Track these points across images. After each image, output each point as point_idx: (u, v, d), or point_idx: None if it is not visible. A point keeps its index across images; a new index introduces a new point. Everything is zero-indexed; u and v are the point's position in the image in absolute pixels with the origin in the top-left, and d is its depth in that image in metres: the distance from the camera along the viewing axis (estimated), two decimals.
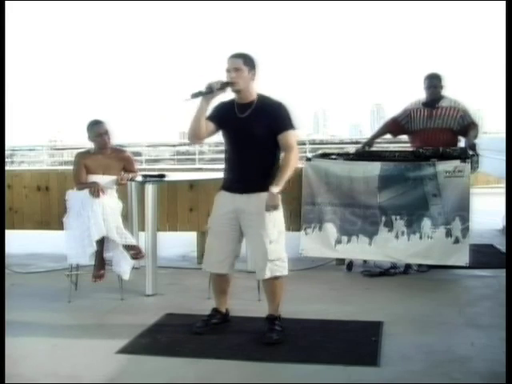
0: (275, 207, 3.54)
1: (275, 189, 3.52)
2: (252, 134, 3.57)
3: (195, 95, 3.54)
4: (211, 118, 3.64)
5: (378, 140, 6.11)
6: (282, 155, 3.67)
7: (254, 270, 3.76)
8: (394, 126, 5.84)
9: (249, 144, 3.60)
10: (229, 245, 3.71)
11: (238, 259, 3.83)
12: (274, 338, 3.57)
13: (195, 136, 3.65)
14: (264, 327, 3.67)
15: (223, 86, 3.55)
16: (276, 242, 3.61)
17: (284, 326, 3.70)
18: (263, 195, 3.55)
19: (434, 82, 5.62)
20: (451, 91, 5.72)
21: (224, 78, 3.57)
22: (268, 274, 3.62)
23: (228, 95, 3.67)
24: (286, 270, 3.67)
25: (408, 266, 5.35)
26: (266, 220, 3.56)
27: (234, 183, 3.69)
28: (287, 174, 3.57)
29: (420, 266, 5.35)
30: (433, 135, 5.54)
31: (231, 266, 3.78)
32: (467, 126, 5.57)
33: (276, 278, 3.65)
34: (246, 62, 3.56)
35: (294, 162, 3.58)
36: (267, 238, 3.58)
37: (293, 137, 3.60)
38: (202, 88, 3.53)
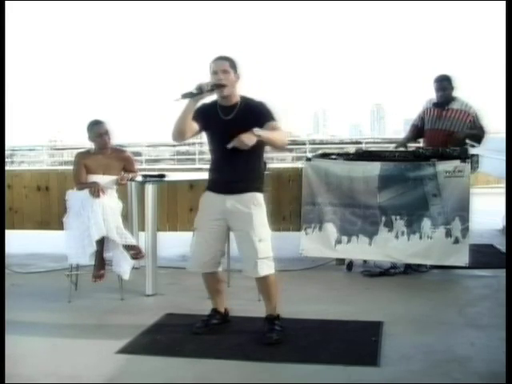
0: (244, 142, 3.41)
1: (258, 131, 3.42)
2: (238, 135, 3.53)
3: (185, 96, 3.55)
4: (195, 119, 3.64)
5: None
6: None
7: (244, 268, 3.74)
8: (414, 131, 5.86)
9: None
10: (216, 245, 3.73)
11: (223, 256, 3.89)
12: (274, 338, 3.57)
13: (180, 135, 3.63)
14: (264, 327, 3.67)
15: (213, 88, 3.56)
16: (265, 240, 3.63)
17: (284, 325, 3.70)
18: (250, 195, 3.61)
19: (443, 85, 5.58)
20: (460, 92, 5.68)
21: (211, 79, 3.58)
22: (265, 271, 3.62)
23: (211, 97, 3.68)
24: (273, 268, 3.69)
25: (408, 266, 5.35)
26: (253, 219, 3.59)
27: (220, 184, 3.70)
28: (271, 135, 3.49)
29: (420, 265, 5.35)
30: (439, 136, 5.54)
31: (217, 265, 3.81)
32: (475, 129, 5.56)
33: (267, 276, 3.66)
34: (231, 64, 3.59)
35: (281, 135, 3.55)
36: (256, 236, 3.60)
37: (278, 125, 3.56)
38: (193, 89, 3.54)
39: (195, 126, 3.65)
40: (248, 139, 3.42)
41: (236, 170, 3.62)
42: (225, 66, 3.56)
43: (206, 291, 4.02)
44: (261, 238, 3.60)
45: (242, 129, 3.51)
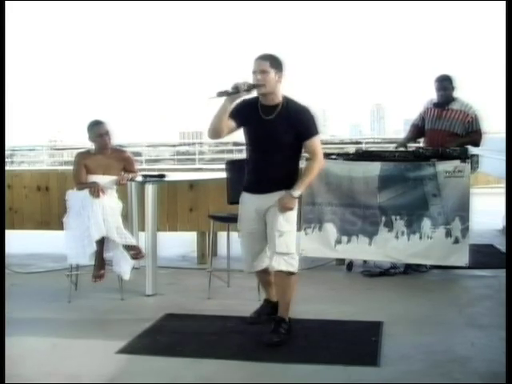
0: (290, 209, 3.59)
1: (295, 193, 3.58)
2: (277, 137, 3.58)
3: (220, 94, 3.55)
4: (233, 115, 3.63)
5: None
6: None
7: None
8: (414, 131, 5.86)
9: (273, 147, 3.60)
10: (260, 244, 3.72)
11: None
12: (274, 340, 3.54)
13: (216, 133, 3.66)
14: (265, 328, 3.65)
15: (249, 88, 3.56)
16: (286, 235, 3.59)
17: (290, 328, 3.65)
18: (282, 193, 3.60)
19: (444, 84, 5.58)
20: (460, 92, 5.68)
21: (250, 79, 3.57)
22: (275, 267, 3.60)
23: (252, 94, 3.65)
24: (295, 267, 3.63)
25: (408, 266, 5.35)
26: (277, 213, 3.59)
27: (256, 184, 3.69)
28: (309, 180, 3.69)
29: (420, 265, 5.35)
30: (439, 137, 5.54)
31: (264, 262, 3.77)
32: (471, 133, 5.56)
33: (285, 274, 3.60)
34: (272, 64, 3.56)
35: (316, 169, 3.70)
36: (277, 230, 3.59)
37: (317, 143, 3.67)
38: (228, 88, 3.54)
39: (232, 123, 3.64)
40: (290, 204, 3.58)
41: (272, 171, 3.62)
42: (264, 66, 3.54)
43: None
44: (281, 232, 3.58)
45: (282, 131, 3.56)
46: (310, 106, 3.67)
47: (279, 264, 3.59)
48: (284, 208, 3.57)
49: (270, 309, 3.87)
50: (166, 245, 5.43)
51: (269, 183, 3.63)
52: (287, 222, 3.61)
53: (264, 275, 3.87)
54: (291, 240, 3.63)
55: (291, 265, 3.61)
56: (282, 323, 3.64)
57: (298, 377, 3.14)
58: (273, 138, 3.60)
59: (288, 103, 3.61)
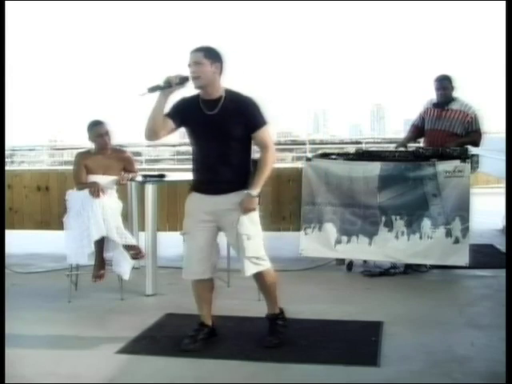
0: (252, 210, 3.45)
1: (254, 192, 3.42)
2: (224, 131, 3.40)
3: (152, 89, 3.39)
4: (171, 115, 3.46)
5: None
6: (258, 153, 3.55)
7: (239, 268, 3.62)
8: (415, 131, 5.86)
9: (221, 142, 3.42)
10: (209, 249, 3.55)
11: (219, 260, 3.71)
12: (273, 342, 3.52)
13: (153, 134, 3.46)
14: (265, 328, 3.64)
15: (182, 81, 3.41)
16: (253, 238, 3.48)
17: (287, 323, 3.66)
18: (240, 193, 3.44)
19: (444, 84, 5.58)
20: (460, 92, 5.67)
21: (184, 72, 3.42)
22: (252, 271, 3.50)
23: (190, 91, 3.49)
24: (265, 266, 3.53)
25: (408, 266, 5.35)
26: (243, 217, 3.45)
27: (207, 184, 3.51)
28: (265, 175, 3.45)
29: (420, 265, 5.35)
30: (439, 137, 5.54)
31: (214, 270, 3.62)
32: (470, 133, 5.56)
33: (260, 274, 3.54)
34: (207, 55, 3.38)
35: (270, 161, 3.47)
36: (244, 234, 3.46)
37: (267, 134, 3.46)
38: (160, 82, 3.38)
39: (170, 123, 3.46)
40: (252, 204, 3.43)
41: (224, 168, 3.44)
42: (197, 57, 3.37)
43: (195, 301, 3.69)
44: (249, 236, 3.46)
45: (229, 124, 3.40)
46: (253, 96, 3.47)
47: (249, 268, 3.50)
48: (246, 210, 3.42)
49: (204, 333, 3.60)
50: (165, 245, 5.43)
51: (222, 183, 3.45)
52: (252, 223, 3.48)
53: (204, 290, 3.62)
54: (259, 242, 3.51)
55: (261, 265, 3.51)
56: (276, 320, 3.62)
57: (298, 377, 3.15)
58: (220, 132, 3.40)
59: (231, 95, 3.44)
